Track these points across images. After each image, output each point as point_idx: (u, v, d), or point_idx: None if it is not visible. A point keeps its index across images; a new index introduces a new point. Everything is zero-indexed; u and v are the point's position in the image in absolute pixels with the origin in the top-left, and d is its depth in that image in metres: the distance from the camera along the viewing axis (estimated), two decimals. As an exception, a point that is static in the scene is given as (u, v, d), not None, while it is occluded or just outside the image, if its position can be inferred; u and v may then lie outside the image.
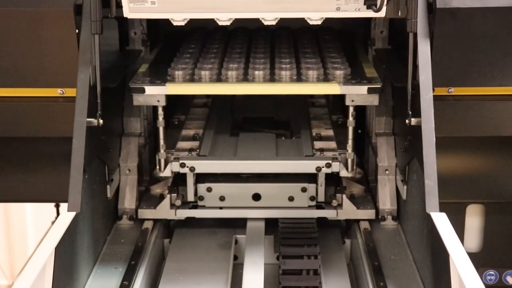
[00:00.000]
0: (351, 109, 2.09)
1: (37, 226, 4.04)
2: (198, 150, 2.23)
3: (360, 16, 1.91)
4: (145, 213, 2.19)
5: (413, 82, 1.95)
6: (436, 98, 1.90)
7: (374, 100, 2.06)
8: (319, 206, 2.19)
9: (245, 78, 2.08)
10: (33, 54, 2.03)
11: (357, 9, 1.89)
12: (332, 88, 2.05)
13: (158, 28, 2.64)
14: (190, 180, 2.18)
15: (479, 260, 2.50)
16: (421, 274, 1.88)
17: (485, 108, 2.11)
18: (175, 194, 2.18)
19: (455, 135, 2.14)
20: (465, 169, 2.29)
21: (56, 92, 2.08)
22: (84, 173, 1.84)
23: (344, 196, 2.17)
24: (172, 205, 2.18)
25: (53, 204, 3.56)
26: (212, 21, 1.96)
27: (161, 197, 2.23)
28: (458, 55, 2.03)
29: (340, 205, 2.18)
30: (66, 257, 1.71)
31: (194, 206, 2.20)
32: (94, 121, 1.91)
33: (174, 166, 2.14)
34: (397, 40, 2.42)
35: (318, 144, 2.27)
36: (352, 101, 2.06)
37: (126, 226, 2.19)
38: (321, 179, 2.17)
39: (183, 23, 1.97)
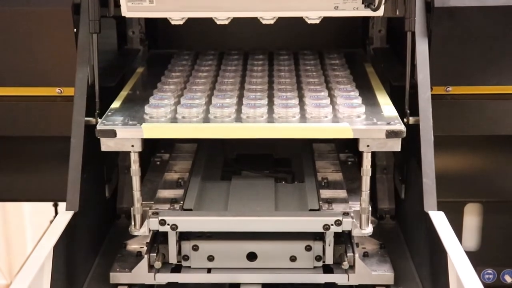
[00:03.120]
0: (366, 156, 1.75)
1: (35, 225, 4.05)
2: (181, 202, 1.93)
3: (358, 15, 1.90)
4: (118, 277, 1.84)
5: (411, 81, 1.95)
6: (434, 97, 1.90)
7: (394, 145, 1.71)
8: (326, 268, 1.86)
9: (238, 117, 1.78)
10: (31, 53, 2.03)
11: (355, 8, 1.89)
12: (343, 131, 1.72)
13: (156, 28, 2.64)
14: (172, 240, 1.83)
15: (477, 259, 2.51)
16: (419, 273, 1.88)
17: (483, 107, 2.11)
18: (155, 254, 1.84)
19: (453, 134, 2.15)
20: (463, 168, 2.29)
21: (54, 91, 2.08)
22: (83, 172, 1.84)
23: (356, 256, 1.82)
24: (151, 267, 1.83)
25: (51, 203, 3.55)
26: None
27: (139, 255, 1.90)
28: (456, 54, 2.04)
29: (351, 267, 1.82)
30: (64, 256, 1.71)
31: (178, 266, 1.86)
32: (92, 120, 1.91)
33: (152, 224, 1.80)
34: (395, 39, 2.42)
35: (325, 193, 1.98)
36: (368, 146, 1.72)
37: (125, 225, 2.18)
38: (329, 238, 1.82)
39: (181, 22, 1.96)
